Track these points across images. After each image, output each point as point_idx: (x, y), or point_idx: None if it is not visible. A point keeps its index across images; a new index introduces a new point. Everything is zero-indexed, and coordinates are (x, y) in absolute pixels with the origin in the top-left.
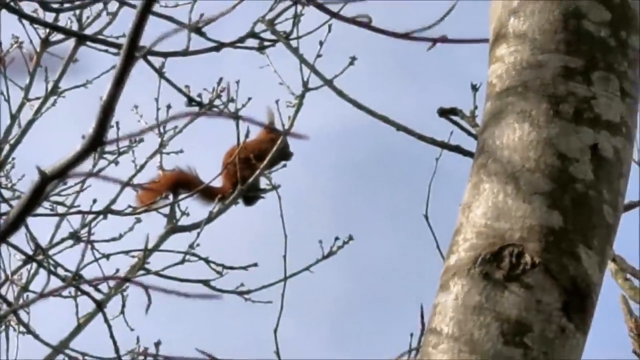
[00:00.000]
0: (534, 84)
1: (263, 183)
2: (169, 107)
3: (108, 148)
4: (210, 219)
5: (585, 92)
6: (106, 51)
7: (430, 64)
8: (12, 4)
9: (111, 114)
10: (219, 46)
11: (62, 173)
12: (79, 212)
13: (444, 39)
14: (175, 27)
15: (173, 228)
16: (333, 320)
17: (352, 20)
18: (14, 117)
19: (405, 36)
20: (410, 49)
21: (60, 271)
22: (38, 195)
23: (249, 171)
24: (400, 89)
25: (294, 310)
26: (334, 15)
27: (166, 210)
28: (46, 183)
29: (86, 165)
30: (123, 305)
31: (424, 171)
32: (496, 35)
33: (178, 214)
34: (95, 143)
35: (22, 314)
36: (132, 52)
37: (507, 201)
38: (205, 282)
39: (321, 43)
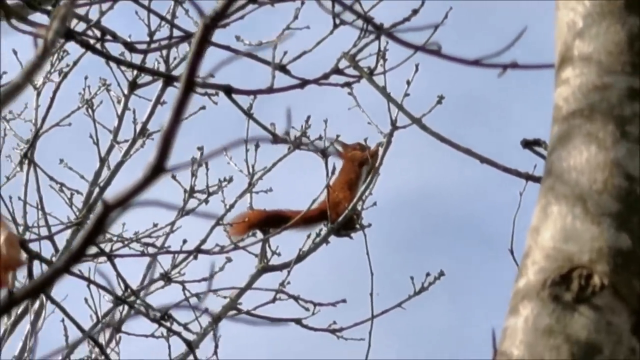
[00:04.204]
0: (600, 106)
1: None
2: (257, 146)
3: (198, 188)
4: (301, 257)
5: None
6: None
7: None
8: (97, 46)
9: (172, 141)
10: (303, 83)
11: (124, 201)
12: (167, 252)
13: (514, 65)
14: (231, 55)
15: (264, 267)
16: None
17: (422, 48)
18: (103, 160)
19: (476, 63)
20: (485, 79)
21: (151, 313)
22: (101, 223)
23: (344, 204)
24: (480, 123)
25: (389, 347)
26: (404, 43)
27: (257, 250)
28: (108, 211)
29: (177, 205)
30: (216, 346)
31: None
32: (562, 58)
33: (269, 253)
34: (157, 171)
35: (112, 355)
36: (192, 81)
37: (575, 223)
38: (298, 321)
39: (408, 82)
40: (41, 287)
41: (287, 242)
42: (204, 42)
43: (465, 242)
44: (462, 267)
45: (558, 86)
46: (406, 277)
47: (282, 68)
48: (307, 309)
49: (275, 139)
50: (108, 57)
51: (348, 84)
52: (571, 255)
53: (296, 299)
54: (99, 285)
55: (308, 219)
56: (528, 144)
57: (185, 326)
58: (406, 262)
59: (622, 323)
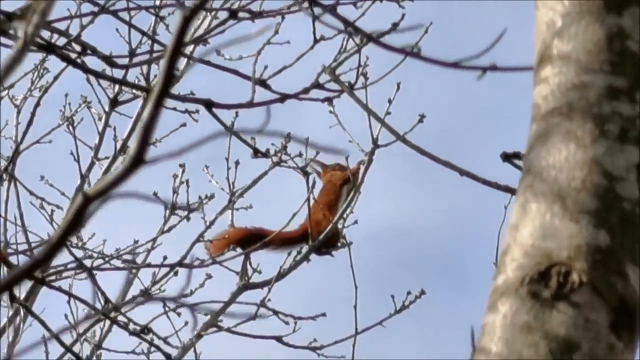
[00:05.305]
0: (579, 105)
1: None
2: (237, 163)
3: (179, 204)
4: (281, 275)
5: (630, 111)
6: (174, 109)
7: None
8: (78, 60)
9: (151, 133)
10: (283, 98)
11: (103, 193)
12: (148, 265)
13: (493, 67)
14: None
15: (245, 285)
16: None
17: (402, 50)
18: (83, 177)
19: (455, 65)
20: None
21: (131, 327)
22: (80, 215)
23: (325, 223)
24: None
25: None
26: (385, 46)
27: (238, 267)
28: (88, 203)
29: (157, 223)
30: None
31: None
32: (541, 57)
33: (250, 271)
34: (137, 163)
35: None
36: (172, 65)
37: (553, 221)
38: (278, 338)
39: (390, 100)
40: (23, 277)
41: (268, 260)
42: (184, 33)
43: (437, 275)
44: (433, 300)
45: (537, 85)
46: (380, 303)
47: (263, 83)
48: (287, 323)
49: (256, 154)
50: (88, 70)
51: (329, 99)
52: (550, 252)
53: (276, 312)
54: (78, 299)
55: (290, 240)
56: (508, 157)
57: (165, 340)
58: (379, 292)
59: (601, 320)
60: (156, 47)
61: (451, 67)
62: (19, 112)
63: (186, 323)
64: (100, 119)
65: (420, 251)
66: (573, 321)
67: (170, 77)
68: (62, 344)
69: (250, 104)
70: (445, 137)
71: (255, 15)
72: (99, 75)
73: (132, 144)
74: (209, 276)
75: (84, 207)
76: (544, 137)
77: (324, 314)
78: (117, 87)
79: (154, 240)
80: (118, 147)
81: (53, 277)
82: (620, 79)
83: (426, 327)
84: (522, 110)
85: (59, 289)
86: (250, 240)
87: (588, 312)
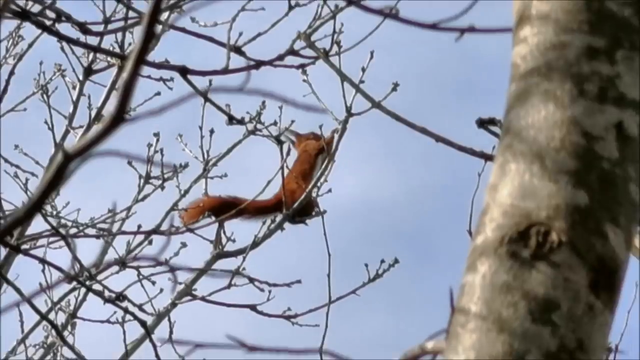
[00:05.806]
0: (557, 64)
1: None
2: (212, 132)
3: (153, 174)
4: (256, 244)
5: (609, 71)
6: (149, 77)
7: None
8: (52, 27)
9: (132, 92)
10: (258, 64)
11: (84, 151)
12: (123, 232)
13: (471, 29)
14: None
15: (219, 254)
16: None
17: (380, 12)
18: (58, 146)
19: (433, 27)
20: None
21: (106, 295)
22: (60, 173)
23: (299, 192)
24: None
25: (341, 333)
26: (361, 7)
27: (212, 236)
28: (68, 161)
29: (132, 192)
30: (171, 332)
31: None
32: (520, 17)
33: (224, 240)
34: (117, 121)
35: (69, 338)
36: (152, 28)
37: (532, 181)
38: (253, 307)
39: (363, 69)
40: (3, 235)
41: (242, 229)
42: None
43: (408, 247)
44: (405, 271)
45: (516, 45)
46: (354, 273)
47: (237, 49)
48: (262, 290)
49: (231, 120)
50: (63, 38)
51: (303, 66)
52: (529, 212)
53: (252, 280)
54: (53, 266)
55: (264, 209)
56: (483, 123)
57: (140, 307)
58: (352, 262)
59: (580, 279)
60: (131, 14)
61: (429, 29)
62: None
63: (161, 290)
64: (74, 88)
65: (391, 223)
66: (552, 281)
67: (151, 34)
68: (34, 308)
69: (226, 71)
70: (417, 107)
71: None
72: (73, 42)
73: (112, 103)
74: (184, 245)
75: (64, 166)
76: (523, 97)
77: (299, 281)
78: (91, 55)
79: (129, 209)
80: (92, 116)
81: (28, 246)
82: (599, 38)
83: (399, 297)
84: (494, 80)
85: (34, 257)
86: (225, 208)
87: (567, 271)
